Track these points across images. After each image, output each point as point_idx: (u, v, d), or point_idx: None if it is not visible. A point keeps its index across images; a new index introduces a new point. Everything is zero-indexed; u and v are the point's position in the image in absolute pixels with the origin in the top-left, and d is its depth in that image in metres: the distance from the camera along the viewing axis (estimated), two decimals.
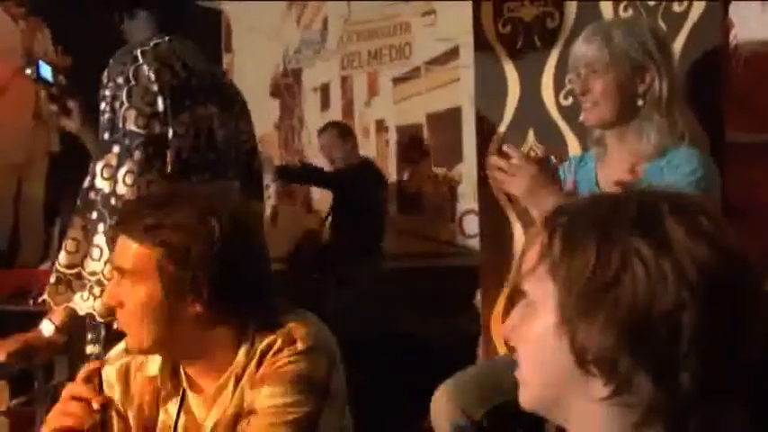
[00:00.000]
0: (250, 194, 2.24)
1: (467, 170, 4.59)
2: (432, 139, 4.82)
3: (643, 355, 0.84)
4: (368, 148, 4.95)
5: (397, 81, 4.93)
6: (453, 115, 4.72)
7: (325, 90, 5.02)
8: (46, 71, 2.27)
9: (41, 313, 2.09)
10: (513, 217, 2.69)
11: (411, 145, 4.87)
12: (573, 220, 0.90)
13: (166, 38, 2.10)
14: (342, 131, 4.57)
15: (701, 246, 0.85)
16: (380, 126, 4.98)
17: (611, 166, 2.16)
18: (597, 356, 0.86)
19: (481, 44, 2.85)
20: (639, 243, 0.85)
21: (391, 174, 4.90)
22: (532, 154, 1.98)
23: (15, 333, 2.03)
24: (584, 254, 0.87)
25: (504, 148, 1.96)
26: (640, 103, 2.08)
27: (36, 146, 4.65)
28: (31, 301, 3.07)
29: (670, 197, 0.90)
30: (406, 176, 4.87)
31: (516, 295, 0.97)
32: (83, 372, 1.53)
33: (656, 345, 0.84)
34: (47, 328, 1.99)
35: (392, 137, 4.94)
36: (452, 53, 4.75)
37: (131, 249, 1.50)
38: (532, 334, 0.92)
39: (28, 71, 2.23)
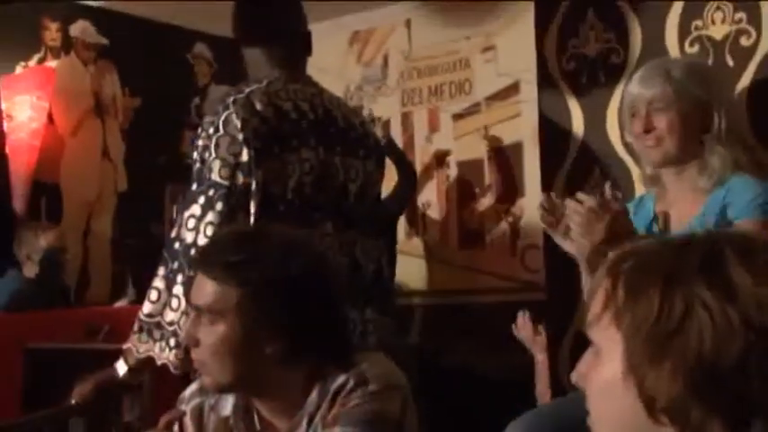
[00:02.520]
0: (356, 237, 2.20)
1: (528, 205, 4.57)
2: (492, 174, 4.81)
3: (714, 402, 0.83)
4: (429, 183, 4.95)
5: (458, 117, 4.95)
6: (514, 150, 4.71)
7: (386, 126, 5.04)
8: None
9: (110, 351, 2.13)
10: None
11: (471, 180, 4.87)
12: (636, 267, 0.90)
13: (271, 78, 2.12)
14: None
15: (766, 290, 0.84)
16: (441, 161, 4.98)
17: (671, 204, 2.14)
18: (667, 405, 0.85)
19: (545, 80, 2.85)
20: (703, 290, 0.84)
21: (452, 209, 4.90)
22: (608, 198, 1.93)
23: (84, 371, 2.07)
24: (648, 301, 0.86)
25: (580, 195, 1.93)
26: (703, 137, 2.07)
27: (105, 184, 4.76)
28: (101, 339, 3.13)
29: (735, 241, 0.89)
30: (467, 212, 4.86)
31: (584, 339, 0.97)
32: (165, 418, 1.56)
33: (727, 391, 0.83)
34: (121, 368, 2.03)
35: (453, 172, 4.94)
36: (513, 88, 4.75)
37: (210, 288, 1.53)
38: (601, 382, 0.91)
39: None
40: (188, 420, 1.65)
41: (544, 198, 1.99)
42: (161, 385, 2.45)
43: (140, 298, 3.74)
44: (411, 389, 1.58)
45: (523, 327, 3.18)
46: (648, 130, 2.09)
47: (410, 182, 4.23)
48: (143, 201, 4.74)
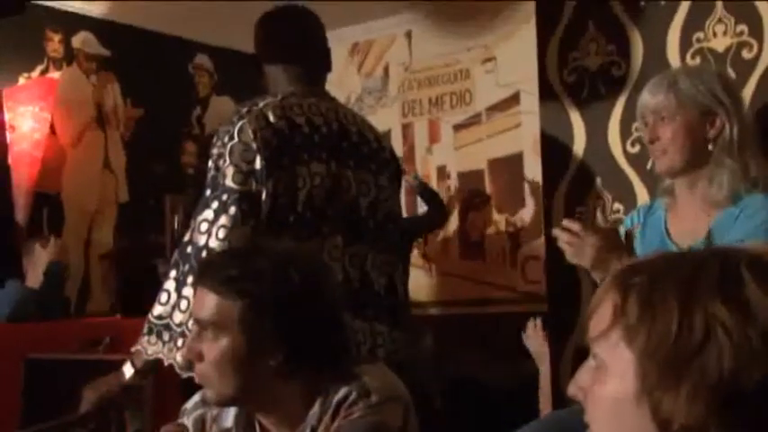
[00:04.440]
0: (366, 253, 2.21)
1: (529, 216, 4.58)
2: (493, 184, 4.82)
3: (733, 423, 0.83)
4: None
5: (458, 127, 4.96)
6: (515, 161, 4.72)
7: (386, 137, 5.06)
8: None
9: (111, 362, 2.13)
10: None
11: (472, 191, 4.88)
12: (650, 283, 0.88)
13: (286, 93, 2.15)
14: None
15: None
16: (442, 173, 4.99)
17: (681, 215, 2.14)
18: (684, 426, 0.84)
19: (546, 93, 2.86)
20: (721, 310, 0.84)
21: (453, 220, 4.90)
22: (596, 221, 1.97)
23: (84, 382, 2.07)
24: (665, 320, 0.85)
25: (565, 222, 1.98)
26: (710, 148, 2.06)
27: (106, 194, 4.77)
28: (102, 351, 3.13)
29: (752, 258, 0.88)
30: (467, 222, 4.87)
31: (586, 350, 0.96)
32: (166, 429, 1.57)
33: (747, 412, 0.82)
34: (128, 371, 2.04)
35: (453, 183, 4.95)
36: (513, 99, 4.77)
37: (212, 302, 1.54)
38: (607, 399, 0.90)
39: None
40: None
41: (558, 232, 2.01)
42: (162, 397, 2.45)
43: (142, 310, 3.75)
44: (422, 399, 1.58)
45: (534, 335, 3.17)
46: (653, 140, 2.10)
47: (439, 214, 4.35)
48: (144, 211, 4.74)
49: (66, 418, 2.05)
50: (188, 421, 1.67)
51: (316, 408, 1.54)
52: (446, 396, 3.75)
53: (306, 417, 1.55)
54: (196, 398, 1.68)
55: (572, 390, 0.95)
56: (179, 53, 5.21)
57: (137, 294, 3.72)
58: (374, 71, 5.29)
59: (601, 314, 0.91)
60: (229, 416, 1.63)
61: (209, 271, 1.59)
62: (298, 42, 2.29)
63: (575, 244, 1.93)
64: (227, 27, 4.75)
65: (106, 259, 4.59)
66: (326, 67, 2.34)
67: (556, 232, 1.98)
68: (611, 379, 0.89)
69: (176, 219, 4.92)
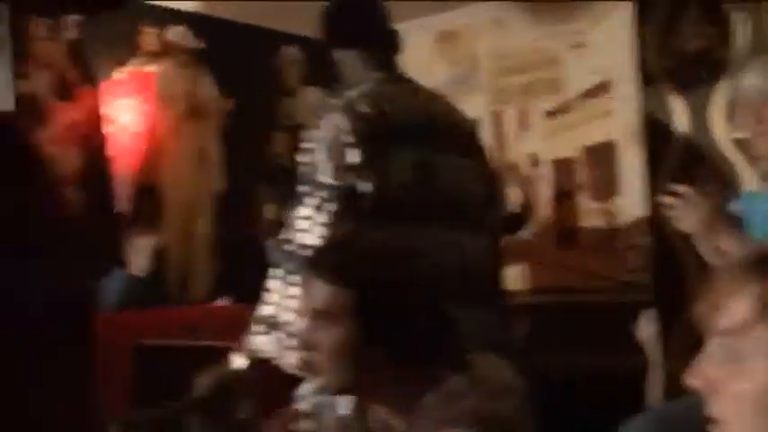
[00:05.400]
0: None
1: (625, 204, 4.50)
2: (586, 172, 4.76)
3: None
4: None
5: (549, 115, 4.90)
6: (608, 148, 4.65)
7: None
8: None
9: (218, 349, 2.18)
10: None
11: (564, 179, 4.82)
12: None
13: (371, 81, 2.15)
14: None
15: None
16: (532, 160, 4.95)
17: None
18: None
19: (645, 78, 2.82)
20: None
21: (547, 208, 4.86)
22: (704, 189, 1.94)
23: (191, 368, 2.12)
24: None
25: (673, 186, 1.95)
26: None
27: (202, 185, 4.87)
28: (203, 337, 3.20)
29: None
30: (560, 211, 4.82)
31: (694, 339, 0.94)
32: (280, 417, 1.60)
33: None
34: (239, 362, 2.08)
35: (544, 171, 4.90)
36: (604, 86, 4.69)
37: (324, 292, 1.56)
38: (749, 395, 0.87)
39: None
40: (303, 419, 1.69)
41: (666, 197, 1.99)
42: (273, 384, 2.50)
43: (241, 297, 3.83)
44: (530, 389, 1.58)
45: (644, 325, 3.11)
46: (759, 121, 2.06)
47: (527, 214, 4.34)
48: (238, 201, 4.83)
49: (178, 404, 2.10)
50: (302, 407, 1.71)
51: (429, 396, 1.55)
52: (549, 386, 3.73)
53: (418, 405, 1.56)
54: (309, 385, 1.71)
55: (696, 382, 0.92)
56: (268, 44, 5.27)
57: (237, 282, 3.81)
58: (462, 59, 5.26)
59: (737, 305, 0.88)
60: (344, 404, 1.66)
61: (320, 262, 1.62)
62: (367, 25, 2.27)
63: (681, 207, 1.91)
64: (316, 17, 4.80)
65: (205, 248, 4.69)
66: (397, 48, 2.31)
67: (663, 198, 1.96)
68: (755, 375, 0.87)
69: (269, 209, 5.01)
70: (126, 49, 4.70)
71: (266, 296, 2.05)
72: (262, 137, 5.15)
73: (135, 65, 4.72)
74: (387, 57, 2.24)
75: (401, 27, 2.39)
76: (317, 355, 1.58)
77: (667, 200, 1.94)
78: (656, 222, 2.64)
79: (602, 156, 4.66)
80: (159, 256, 3.99)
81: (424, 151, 2.14)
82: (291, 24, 5.19)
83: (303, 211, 2.04)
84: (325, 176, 2.03)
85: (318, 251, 1.79)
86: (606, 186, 4.63)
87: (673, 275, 2.55)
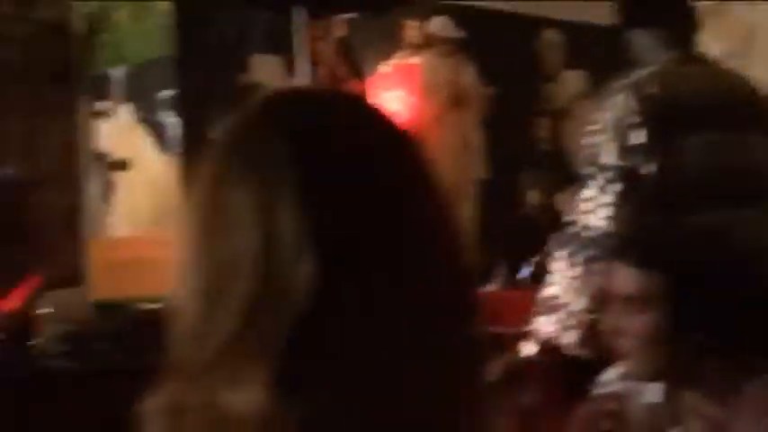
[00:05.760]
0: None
1: None
2: None
3: None
4: None
5: None
6: None
7: None
8: None
9: (497, 335, 2.19)
10: None
11: None
12: None
13: (665, 61, 2.09)
14: None
15: None
16: None
17: None
18: None
19: None
20: None
21: None
22: None
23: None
24: None
25: None
26: None
27: (465, 172, 4.94)
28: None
29: None
30: None
31: None
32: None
33: None
34: (529, 349, 2.09)
35: None
36: None
37: (633, 276, 1.53)
38: None
39: None
40: (609, 404, 1.67)
41: None
42: (562, 371, 2.48)
43: (510, 282, 3.85)
44: None
45: None
46: None
47: None
48: (501, 187, 4.86)
49: None
50: (605, 393, 1.68)
51: (746, 387, 1.49)
52: None
53: (734, 395, 1.50)
54: (614, 371, 1.69)
55: None
56: (528, 30, 5.25)
57: (512, 268, 3.84)
58: (736, 34, 4.97)
59: None
60: (653, 390, 1.62)
61: (630, 245, 1.59)
62: (666, 3, 2.19)
63: None
64: (578, 0, 4.73)
65: (468, 233, 4.75)
66: (695, 27, 2.21)
67: None
68: None
69: (533, 194, 5.00)
70: (389, 46, 4.85)
71: (549, 278, 2.05)
72: (524, 123, 5.14)
73: (399, 57, 4.87)
74: (684, 35, 2.16)
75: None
76: (626, 341, 1.55)
77: None
78: None
79: None
80: None
81: (725, 133, 2.04)
82: (550, 9, 5.13)
83: (587, 192, 2.01)
84: (610, 157, 1.99)
85: (626, 235, 1.76)
86: None
87: None
